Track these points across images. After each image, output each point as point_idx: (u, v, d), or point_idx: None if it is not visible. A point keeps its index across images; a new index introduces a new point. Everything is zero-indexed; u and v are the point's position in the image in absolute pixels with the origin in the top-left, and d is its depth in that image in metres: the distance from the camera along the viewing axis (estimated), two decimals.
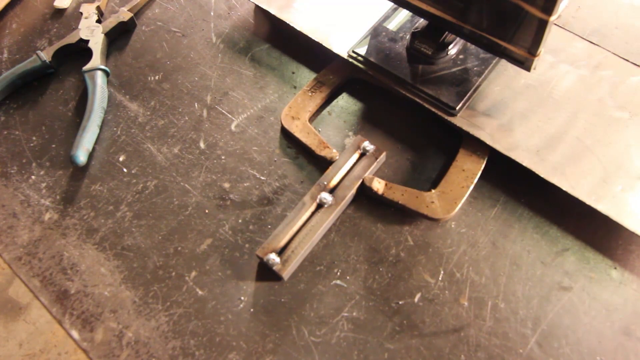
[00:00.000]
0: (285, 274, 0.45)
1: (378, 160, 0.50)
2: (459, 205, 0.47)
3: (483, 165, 0.49)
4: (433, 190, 0.48)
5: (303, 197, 0.49)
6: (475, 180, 0.48)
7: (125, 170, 0.54)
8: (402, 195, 0.48)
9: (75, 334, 0.45)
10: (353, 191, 0.49)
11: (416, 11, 0.51)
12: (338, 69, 0.57)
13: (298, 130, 0.53)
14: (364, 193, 0.50)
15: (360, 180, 0.49)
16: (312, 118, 0.55)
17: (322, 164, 0.52)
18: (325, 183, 0.49)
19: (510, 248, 0.47)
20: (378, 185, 0.49)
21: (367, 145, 0.51)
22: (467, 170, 0.49)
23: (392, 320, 0.44)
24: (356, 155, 0.51)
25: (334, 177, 0.49)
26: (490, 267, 0.46)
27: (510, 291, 0.45)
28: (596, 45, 0.54)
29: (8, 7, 0.68)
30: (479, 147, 0.50)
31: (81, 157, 0.52)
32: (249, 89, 0.58)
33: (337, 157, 0.51)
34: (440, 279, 0.46)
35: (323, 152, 0.51)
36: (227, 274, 0.47)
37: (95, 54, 0.60)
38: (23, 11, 0.68)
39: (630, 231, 0.44)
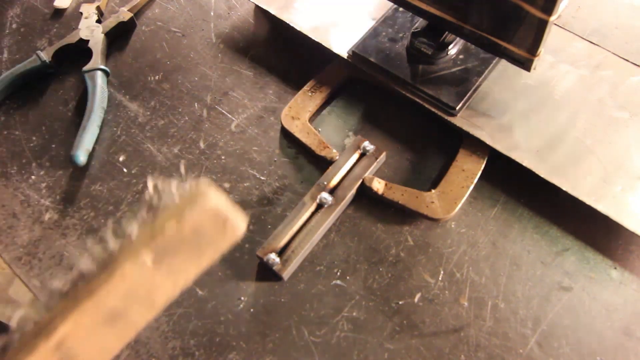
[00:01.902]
0: (285, 274, 0.45)
1: (378, 160, 0.50)
2: (459, 205, 0.47)
3: (483, 166, 0.49)
4: (433, 191, 0.48)
5: (303, 197, 0.49)
6: (475, 180, 0.48)
7: (125, 170, 0.54)
8: (402, 195, 0.48)
9: None
10: (353, 191, 0.49)
11: (416, 11, 0.51)
12: (338, 69, 0.57)
13: (298, 130, 0.53)
14: (364, 193, 0.50)
15: (360, 181, 0.49)
16: (312, 118, 0.55)
17: (322, 164, 0.52)
18: (325, 183, 0.49)
19: (510, 248, 0.47)
20: (378, 185, 0.49)
21: (367, 145, 0.51)
22: (467, 171, 0.49)
23: (392, 320, 0.44)
24: (356, 156, 0.51)
25: (334, 177, 0.49)
26: (490, 267, 0.46)
27: (510, 291, 0.45)
28: (596, 45, 0.54)
29: (8, 7, 0.68)
30: (479, 147, 0.50)
31: (81, 157, 0.52)
32: (249, 89, 0.58)
33: (337, 157, 0.51)
34: (440, 279, 0.46)
35: (323, 152, 0.51)
36: (227, 274, 0.47)
37: (95, 54, 0.60)
38: (23, 11, 0.68)
39: (630, 231, 0.44)
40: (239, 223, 0.29)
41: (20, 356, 0.25)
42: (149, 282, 0.27)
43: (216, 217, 0.28)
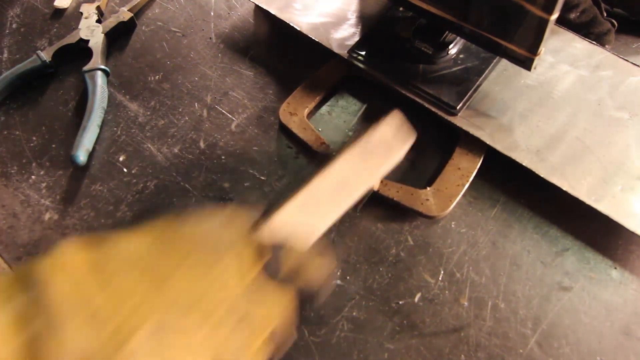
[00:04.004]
0: None
1: None
2: (454, 203, 0.47)
3: (479, 164, 0.49)
4: (428, 188, 0.48)
5: None
6: (471, 179, 0.48)
7: (125, 170, 0.54)
8: (397, 192, 0.48)
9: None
10: None
11: (416, 11, 0.51)
12: (337, 67, 0.57)
13: (295, 125, 0.53)
14: None
15: None
16: (311, 116, 0.55)
17: (322, 164, 0.51)
18: None
19: (510, 248, 0.47)
20: None
21: None
22: (463, 169, 0.49)
23: (392, 320, 0.44)
24: None
25: None
26: (490, 267, 0.46)
27: (510, 291, 0.45)
28: (596, 45, 0.54)
29: (8, 7, 0.68)
30: (475, 145, 0.50)
31: (81, 157, 0.52)
32: (249, 89, 0.58)
33: (334, 154, 0.51)
34: (440, 279, 0.46)
35: (320, 148, 0.51)
36: None
37: (95, 54, 0.60)
38: (23, 11, 0.68)
39: (630, 231, 0.44)
40: (411, 135, 0.42)
41: (283, 202, 0.36)
42: (357, 168, 0.39)
43: (397, 129, 0.42)
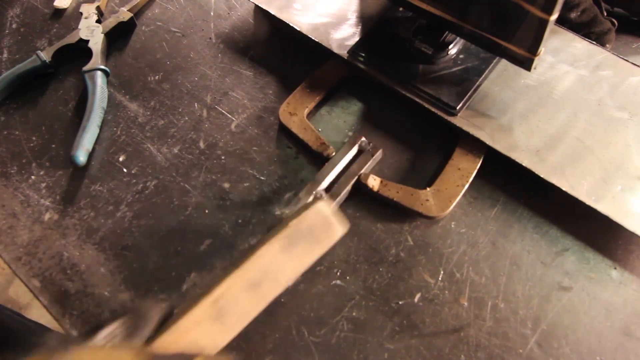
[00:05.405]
0: None
1: (374, 157, 0.50)
2: (454, 204, 0.47)
3: (479, 165, 0.49)
4: (428, 189, 0.48)
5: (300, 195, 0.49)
6: (471, 180, 0.48)
7: (125, 170, 0.54)
8: (397, 192, 0.48)
9: (75, 334, 0.45)
10: (348, 188, 0.49)
11: (416, 11, 0.51)
12: (337, 67, 0.57)
13: (295, 126, 0.53)
14: (360, 190, 0.50)
15: (356, 177, 0.49)
16: (311, 116, 0.55)
17: (321, 164, 0.52)
18: (321, 180, 0.49)
19: (510, 248, 0.47)
20: (373, 183, 0.49)
21: (364, 142, 0.51)
22: (463, 170, 0.49)
23: (392, 320, 0.44)
24: (353, 152, 0.51)
25: (330, 173, 0.49)
26: (490, 267, 0.46)
27: (510, 291, 0.45)
28: (596, 45, 0.54)
29: (8, 7, 0.68)
30: (475, 146, 0.50)
31: (81, 157, 0.52)
32: (249, 89, 0.58)
33: (334, 154, 0.51)
34: (440, 279, 0.46)
35: (320, 149, 0.51)
36: None
37: (95, 54, 0.60)
38: (23, 11, 0.68)
39: (630, 231, 0.44)
40: (340, 228, 0.37)
41: (186, 307, 0.33)
42: (277, 264, 0.35)
43: (324, 220, 0.37)
